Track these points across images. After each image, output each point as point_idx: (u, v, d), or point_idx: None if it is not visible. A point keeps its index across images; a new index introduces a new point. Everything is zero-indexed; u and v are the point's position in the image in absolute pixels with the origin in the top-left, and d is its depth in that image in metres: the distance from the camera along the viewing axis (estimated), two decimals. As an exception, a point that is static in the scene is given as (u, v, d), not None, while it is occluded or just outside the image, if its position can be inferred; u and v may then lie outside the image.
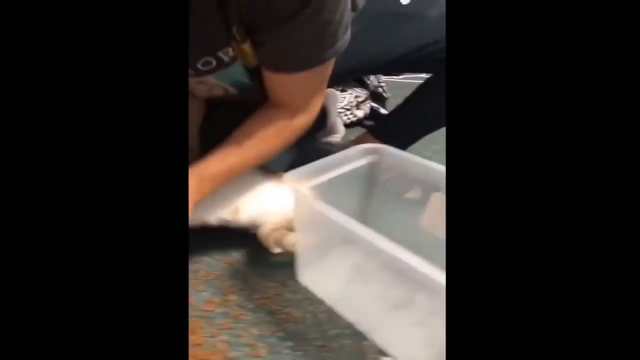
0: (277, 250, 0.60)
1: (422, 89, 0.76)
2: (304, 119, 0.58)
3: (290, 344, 0.48)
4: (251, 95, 0.60)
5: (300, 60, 0.51)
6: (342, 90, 1.19)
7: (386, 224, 0.51)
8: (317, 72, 0.53)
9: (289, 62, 0.51)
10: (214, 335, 0.49)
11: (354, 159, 0.57)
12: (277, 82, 0.55)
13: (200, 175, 0.51)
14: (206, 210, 0.57)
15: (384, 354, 0.47)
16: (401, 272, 0.45)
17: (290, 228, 0.59)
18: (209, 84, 0.61)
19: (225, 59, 0.53)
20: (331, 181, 0.54)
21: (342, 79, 0.99)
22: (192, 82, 0.60)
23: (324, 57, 0.51)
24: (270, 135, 0.56)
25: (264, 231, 0.59)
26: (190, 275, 0.59)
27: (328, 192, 0.52)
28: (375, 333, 0.49)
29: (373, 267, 0.55)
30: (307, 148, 0.77)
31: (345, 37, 0.51)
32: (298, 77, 0.52)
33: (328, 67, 0.54)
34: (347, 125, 1.10)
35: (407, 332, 0.47)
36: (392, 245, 0.40)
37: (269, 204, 0.60)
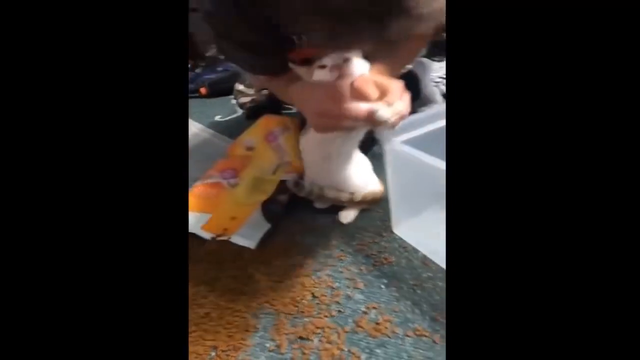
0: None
1: None
2: None
3: (385, 281, 0.53)
4: None
5: None
6: (440, 60, 1.17)
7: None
8: None
9: None
10: (319, 269, 0.57)
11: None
12: None
13: (379, 72, 0.56)
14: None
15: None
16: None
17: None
18: None
19: None
20: (426, 136, 0.56)
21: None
22: None
23: None
24: None
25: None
26: (296, 225, 0.68)
27: (422, 147, 0.53)
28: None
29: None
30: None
31: None
32: None
33: None
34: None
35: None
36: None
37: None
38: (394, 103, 0.49)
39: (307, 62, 0.68)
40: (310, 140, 0.64)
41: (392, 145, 0.52)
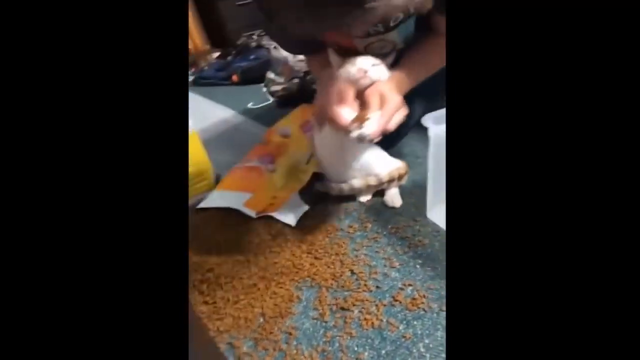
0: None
1: None
2: None
3: (420, 262, 0.57)
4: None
5: None
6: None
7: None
8: None
9: None
10: (357, 249, 0.61)
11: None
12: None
13: (397, 82, 0.65)
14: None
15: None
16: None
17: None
18: (384, 40, 0.69)
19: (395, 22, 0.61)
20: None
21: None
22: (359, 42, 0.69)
23: None
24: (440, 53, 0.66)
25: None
26: (332, 208, 0.72)
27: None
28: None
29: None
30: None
31: None
32: None
33: None
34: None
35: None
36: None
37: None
38: (378, 119, 0.58)
39: (344, 51, 0.71)
40: (327, 132, 0.67)
41: (435, 131, 0.54)
